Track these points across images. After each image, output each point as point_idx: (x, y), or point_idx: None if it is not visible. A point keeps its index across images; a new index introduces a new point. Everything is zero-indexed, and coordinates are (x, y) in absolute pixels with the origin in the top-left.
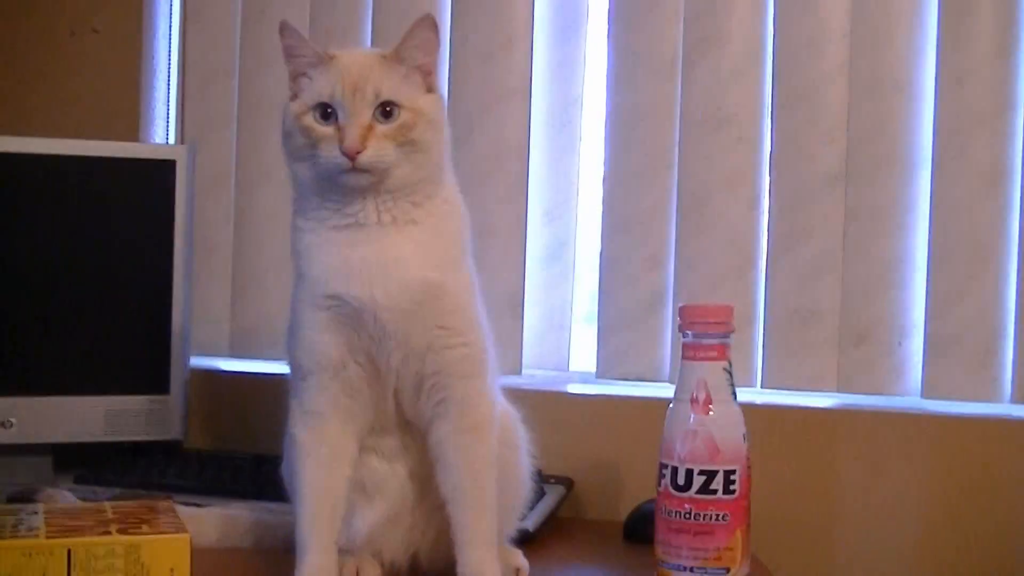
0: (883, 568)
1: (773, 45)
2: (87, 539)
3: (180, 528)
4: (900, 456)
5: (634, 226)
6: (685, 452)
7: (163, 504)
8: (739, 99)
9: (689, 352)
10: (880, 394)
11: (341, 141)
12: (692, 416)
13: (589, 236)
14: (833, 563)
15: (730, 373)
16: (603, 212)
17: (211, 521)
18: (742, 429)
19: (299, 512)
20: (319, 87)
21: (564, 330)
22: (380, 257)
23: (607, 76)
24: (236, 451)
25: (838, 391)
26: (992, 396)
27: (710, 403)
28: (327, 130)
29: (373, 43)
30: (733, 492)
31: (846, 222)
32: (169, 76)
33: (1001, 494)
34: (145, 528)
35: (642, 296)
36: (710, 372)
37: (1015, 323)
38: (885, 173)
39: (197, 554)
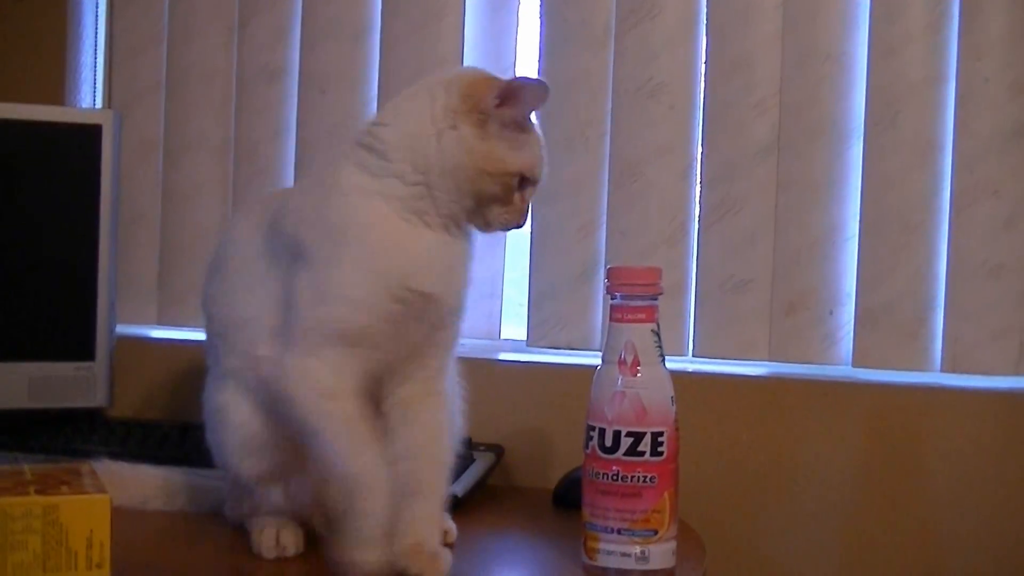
0: (811, 535)
1: (706, 15)
2: (3, 500)
3: (100, 489)
4: (830, 425)
5: (566, 195)
6: (613, 414)
7: (84, 467)
8: (672, 69)
9: (617, 314)
10: (811, 363)
11: (518, 216)
12: (620, 378)
13: None
14: (763, 530)
15: (658, 335)
16: None
17: (144, 481)
18: (670, 392)
19: (366, 506)
20: (528, 159)
21: (495, 299)
22: (452, 261)
23: (539, 45)
24: (162, 419)
25: (769, 360)
26: (922, 365)
27: (638, 365)
28: (516, 198)
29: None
30: (661, 454)
31: (778, 192)
32: (96, 41)
33: (929, 463)
34: (64, 489)
35: (574, 265)
36: (638, 334)
37: (945, 293)
38: (817, 144)
39: (122, 515)
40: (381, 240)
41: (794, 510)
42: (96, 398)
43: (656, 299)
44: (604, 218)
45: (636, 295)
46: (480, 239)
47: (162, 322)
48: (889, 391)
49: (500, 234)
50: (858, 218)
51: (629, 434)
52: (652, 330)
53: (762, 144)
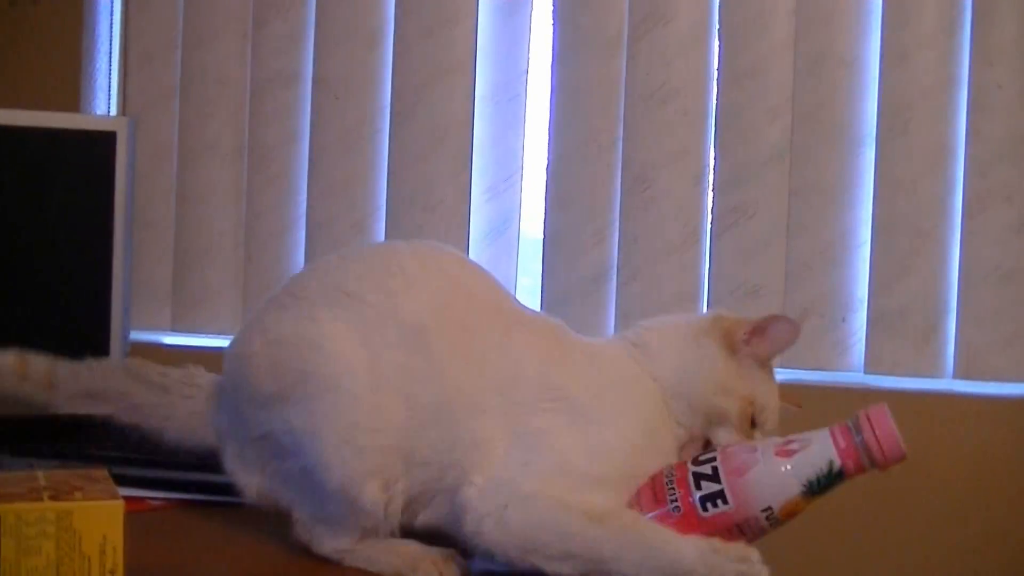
0: (823, 541)
1: (719, 21)
2: (17, 505)
3: (113, 495)
4: None
5: (578, 201)
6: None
7: (98, 473)
8: (684, 75)
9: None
10: (823, 369)
11: None
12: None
13: (533, 211)
14: (772, 537)
15: None
16: (547, 187)
17: None
18: None
19: None
20: (764, 395)
21: None
22: None
23: (552, 51)
24: None
25: (782, 366)
26: (934, 372)
27: None
28: (747, 429)
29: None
30: None
31: (790, 198)
32: (111, 48)
33: (942, 468)
34: (78, 495)
35: (586, 271)
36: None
37: (957, 299)
38: (830, 149)
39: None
40: (652, 412)
41: (805, 517)
42: None
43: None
44: (617, 224)
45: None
46: (491, 243)
47: (176, 327)
48: (902, 397)
49: (512, 241)
50: (870, 224)
51: None
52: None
53: (774, 150)
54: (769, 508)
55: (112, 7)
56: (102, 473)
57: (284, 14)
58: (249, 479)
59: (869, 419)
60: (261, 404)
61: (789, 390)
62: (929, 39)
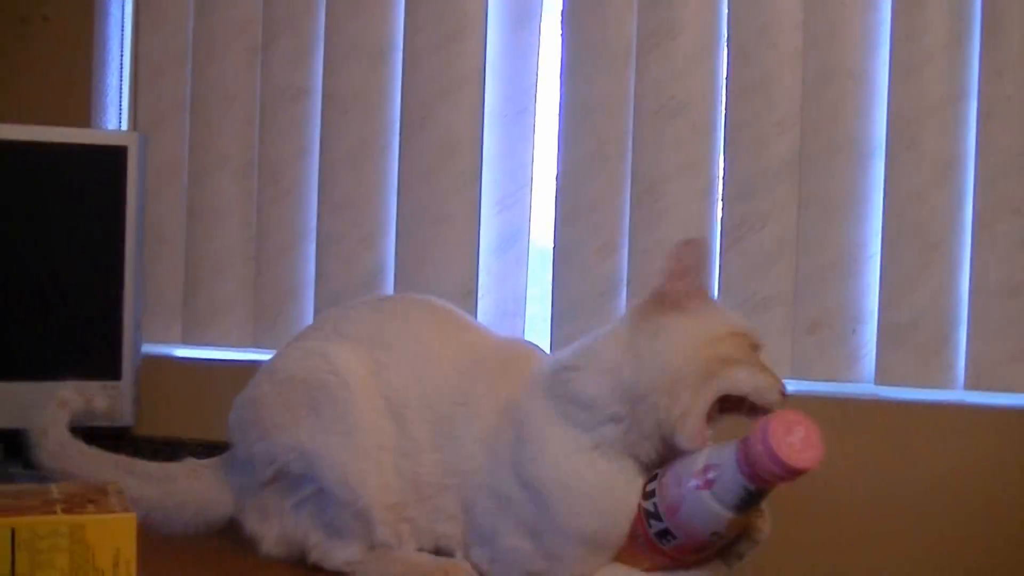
0: (833, 554)
1: (727, 34)
2: (30, 519)
3: (126, 508)
4: (854, 442)
5: (587, 215)
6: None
7: (111, 486)
8: (693, 88)
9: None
10: (834, 381)
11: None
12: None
13: (542, 225)
14: (783, 549)
15: None
16: (556, 201)
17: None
18: None
19: None
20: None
21: (518, 318)
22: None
23: (561, 65)
24: (188, 438)
25: (792, 378)
26: (945, 383)
27: None
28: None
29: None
30: None
31: (799, 210)
32: (122, 64)
33: (953, 480)
34: (91, 508)
35: (595, 284)
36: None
37: (968, 310)
38: (838, 161)
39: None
40: (598, 504)
41: (815, 529)
42: (122, 417)
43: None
44: (626, 237)
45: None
46: (500, 257)
47: (187, 341)
48: (912, 409)
49: (521, 255)
50: (880, 236)
51: None
52: None
53: (783, 162)
54: (714, 532)
55: (123, 23)
56: (114, 486)
57: (293, 29)
58: (267, 528)
59: (758, 437)
60: (272, 437)
61: (800, 402)
62: (937, 51)
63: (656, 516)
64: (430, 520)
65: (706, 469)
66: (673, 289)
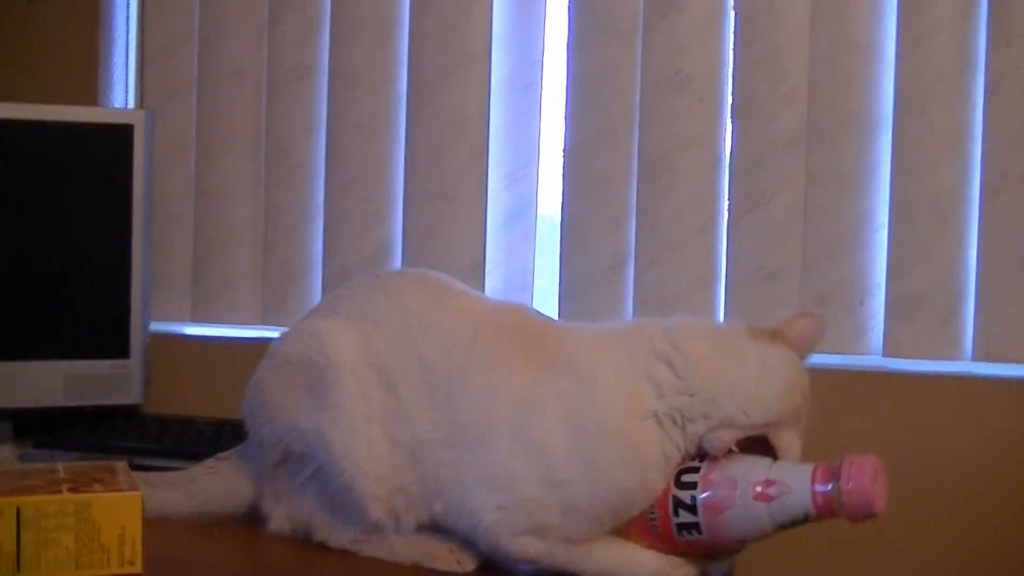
0: (839, 526)
1: (735, 6)
2: (37, 498)
3: (132, 486)
4: (862, 415)
5: (595, 189)
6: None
7: (118, 464)
8: (700, 61)
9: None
10: (842, 353)
11: None
12: None
13: (551, 199)
14: None
15: None
16: (564, 175)
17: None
18: None
19: None
20: None
21: (526, 291)
22: None
23: (568, 39)
24: (197, 416)
25: None
26: (953, 355)
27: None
28: None
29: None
30: None
31: (807, 183)
32: (128, 41)
33: (962, 452)
34: (97, 487)
35: (604, 258)
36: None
37: (976, 282)
38: (847, 134)
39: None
40: (640, 465)
41: None
42: (131, 395)
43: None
44: (634, 211)
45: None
46: (509, 231)
47: (196, 319)
48: (921, 381)
49: (529, 229)
50: (888, 208)
51: None
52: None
53: (791, 135)
54: (742, 540)
55: (128, 1)
56: (122, 465)
57: (300, 6)
58: (278, 508)
59: (850, 475)
60: (275, 420)
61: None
62: (945, 22)
63: (689, 508)
64: (426, 486)
65: (768, 483)
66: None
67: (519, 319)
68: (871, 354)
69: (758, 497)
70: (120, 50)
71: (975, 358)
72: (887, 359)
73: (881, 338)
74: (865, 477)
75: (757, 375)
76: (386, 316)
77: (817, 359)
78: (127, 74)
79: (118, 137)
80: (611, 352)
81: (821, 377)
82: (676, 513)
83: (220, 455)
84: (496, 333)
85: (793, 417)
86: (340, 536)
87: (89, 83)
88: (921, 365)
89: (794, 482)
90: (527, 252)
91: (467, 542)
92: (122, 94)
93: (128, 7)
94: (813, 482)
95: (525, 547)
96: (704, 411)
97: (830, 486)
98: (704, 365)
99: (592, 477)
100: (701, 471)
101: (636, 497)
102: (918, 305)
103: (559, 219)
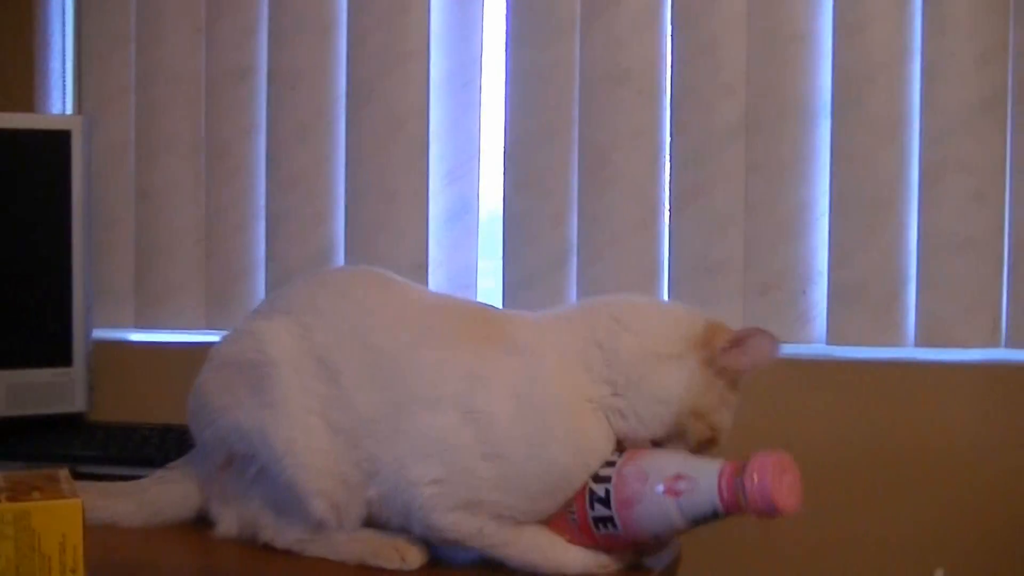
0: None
1: (670, 0)
2: None
3: (73, 494)
4: (807, 403)
5: (536, 184)
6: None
7: (60, 473)
8: (638, 54)
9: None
10: (786, 342)
11: None
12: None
13: (492, 196)
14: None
15: None
16: (505, 171)
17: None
18: None
19: None
20: (727, 420)
21: (470, 290)
22: None
23: (506, 35)
24: (144, 422)
25: None
26: (897, 341)
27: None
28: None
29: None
30: None
31: (748, 173)
32: (64, 46)
33: (907, 437)
34: (36, 495)
35: (547, 253)
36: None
37: (917, 268)
38: (785, 124)
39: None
40: (579, 445)
41: None
42: (75, 403)
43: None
44: (575, 205)
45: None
46: (451, 229)
47: (140, 325)
48: (865, 367)
49: (472, 226)
50: (828, 197)
51: None
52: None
53: (730, 126)
54: (657, 536)
55: (64, 5)
56: (63, 473)
57: (237, 8)
58: (226, 511)
59: (754, 471)
60: (217, 422)
61: None
62: (881, 10)
63: (604, 502)
64: (362, 469)
65: (677, 478)
66: (726, 361)
67: (464, 305)
68: (815, 342)
69: (667, 492)
70: (57, 55)
71: (918, 344)
72: (831, 347)
73: (824, 326)
74: (769, 475)
75: (663, 389)
76: (327, 307)
77: None
78: (64, 79)
79: (56, 143)
80: (555, 334)
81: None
82: (592, 506)
83: (170, 464)
84: (444, 315)
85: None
86: (285, 536)
87: (26, 89)
88: (864, 352)
89: (702, 477)
90: (470, 250)
91: (402, 529)
92: (59, 99)
93: (64, 12)
94: (720, 478)
95: (457, 523)
96: (620, 408)
97: (736, 482)
98: (630, 364)
99: (531, 453)
100: (617, 464)
101: (572, 476)
102: (860, 293)
103: (501, 215)
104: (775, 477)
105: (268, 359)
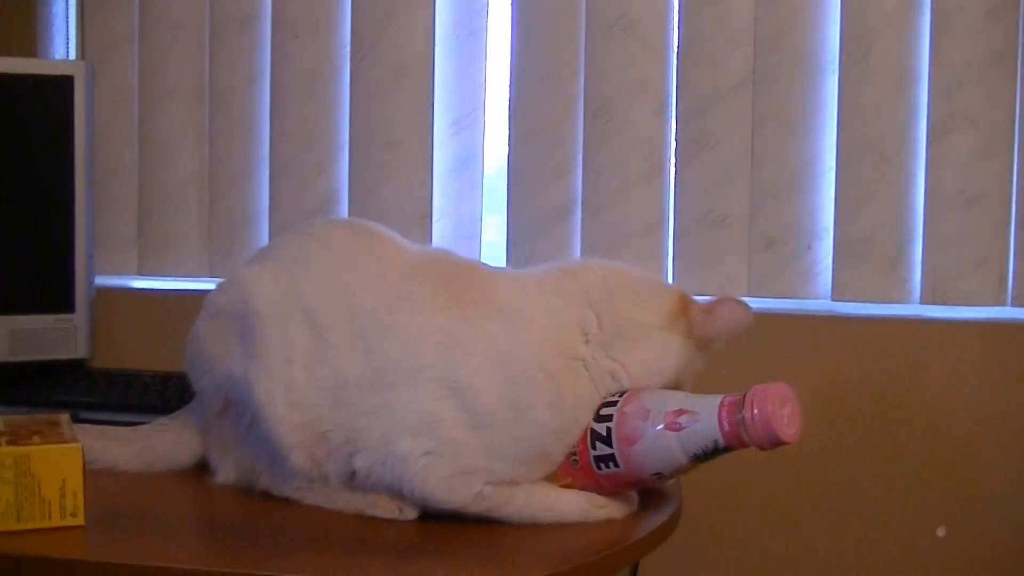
0: (790, 471)
1: None
2: None
3: (73, 438)
4: (811, 359)
5: (540, 135)
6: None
7: (60, 417)
8: (645, 4)
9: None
10: (790, 298)
11: None
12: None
13: (497, 146)
14: (740, 467)
15: None
16: (510, 121)
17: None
18: None
19: None
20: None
21: (474, 239)
22: None
23: None
24: (145, 369)
25: (749, 295)
26: (901, 297)
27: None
28: None
29: None
30: None
31: (754, 127)
32: None
33: (910, 394)
34: (36, 439)
35: (550, 205)
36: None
37: (923, 225)
38: (792, 77)
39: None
40: (567, 405)
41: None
42: (77, 350)
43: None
44: (580, 157)
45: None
46: (455, 180)
47: (142, 272)
48: (869, 324)
49: (476, 177)
50: (834, 151)
51: None
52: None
53: (737, 79)
54: (659, 473)
55: None
56: (64, 418)
57: None
58: (225, 458)
59: (753, 402)
60: (213, 370)
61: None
62: None
63: (605, 440)
64: (347, 436)
65: (679, 412)
66: (701, 329)
67: (447, 263)
68: (819, 298)
69: (669, 427)
70: (60, 1)
71: (923, 301)
72: (835, 303)
73: (829, 282)
74: (770, 404)
75: (654, 359)
76: (315, 261)
77: (766, 303)
78: (67, 25)
79: (59, 89)
80: (544, 296)
81: (770, 321)
82: (593, 446)
83: (172, 415)
84: (423, 276)
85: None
86: (283, 484)
87: (28, 34)
88: (869, 308)
89: (703, 410)
90: (474, 201)
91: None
92: (62, 45)
93: None
94: (721, 410)
95: (452, 492)
96: (613, 371)
97: (737, 413)
98: (621, 330)
99: (518, 419)
100: (618, 404)
101: (565, 437)
102: (865, 248)
103: (506, 166)
104: (775, 408)
105: (253, 309)
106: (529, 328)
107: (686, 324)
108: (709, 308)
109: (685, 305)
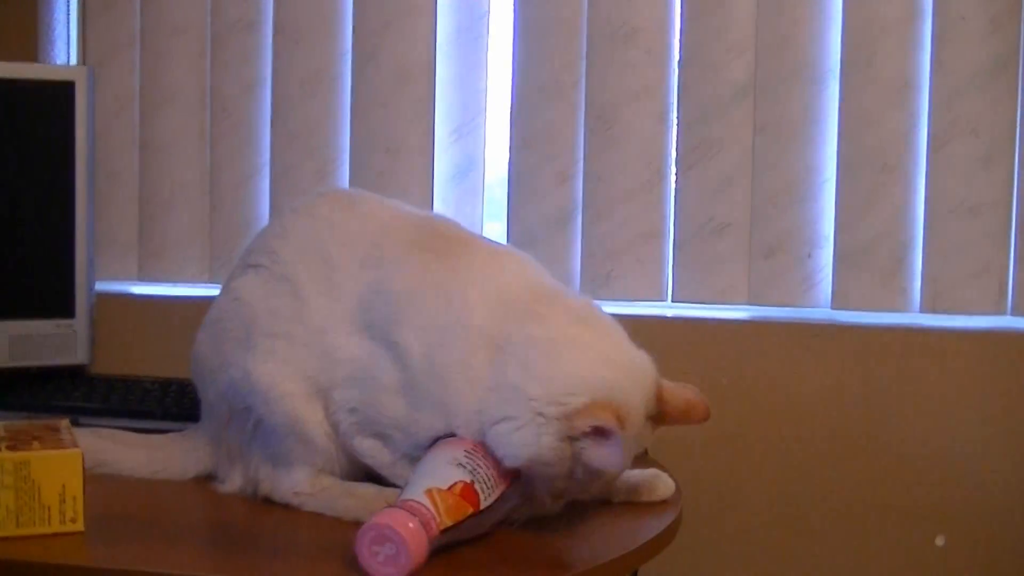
0: (791, 478)
1: None
2: None
3: (73, 444)
4: (811, 367)
5: (542, 141)
6: None
7: (60, 423)
8: (646, 12)
9: None
10: (790, 306)
11: None
12: None
13: (498, 153)
14: (742, 473)
15: None
16: (511, 128)
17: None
18: None
19: None
20: None
21: None
22: None
23: None
24: (145, 375)
25: (749, 303)
26: (902, 306)
27: None
28: None
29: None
30: None
31: (755, 134)
32: None
33: (910, 403)
34: (36, 445)
35: (551, 211)
36: None
37: (924, 233)
38: (794, 85)
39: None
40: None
41: (774, 453)
42: (77, 355)
43: None
44: (581, 164)
45: None
46: (456, 186)
47: (142, 277)
48: (869, 332)
49: (477, 183)
50: (835, 159)
51: None
52: None
53: (738, 86)
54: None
55: None
56: (64, 423)
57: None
58: (231, 469)
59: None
60: (217, 380)
61: (757, 327)
62: None
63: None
64: (332, 377)
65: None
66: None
67: (427, 225)
68: (819, 306)
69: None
70: (61, 5)
71: (923, 309)
72: (835, 311)
73: (829, 290)
74: (365, 547)
75: (513, 450)
76: (293, 227)
77: (766, 312)
78: (68, 30)
79: (60, 94)
80: (505, 274)
81: (770, 329)
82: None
83: (185, 431)
84: (398, 236)
85: None
86: (282, 487)
87: (30, 39)
88: (869, 317)
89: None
90: (475, 207)
91: None
92: (63, 51)
93: None
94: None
95: (372, 451)
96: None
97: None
98: (519, 377)
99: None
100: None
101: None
102: (866, 257)
103: (507, 172)
104: (365, 546)
105: (240, 301)
106: (471, 295)
107: (570, 430)
108: (601, 442)
109: (586, 410)
